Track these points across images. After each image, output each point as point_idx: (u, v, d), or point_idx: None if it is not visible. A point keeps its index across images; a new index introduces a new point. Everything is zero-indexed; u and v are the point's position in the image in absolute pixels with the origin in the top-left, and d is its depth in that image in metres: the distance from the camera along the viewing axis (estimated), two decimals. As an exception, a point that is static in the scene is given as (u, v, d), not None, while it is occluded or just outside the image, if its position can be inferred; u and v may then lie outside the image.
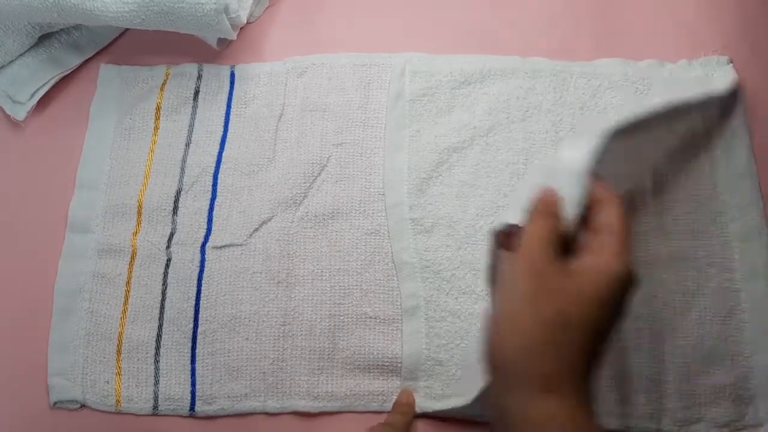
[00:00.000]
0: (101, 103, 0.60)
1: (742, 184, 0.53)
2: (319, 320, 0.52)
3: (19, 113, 0.59)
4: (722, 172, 0.54)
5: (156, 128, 0.58)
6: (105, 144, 0.58)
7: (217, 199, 0.56)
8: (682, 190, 0.53)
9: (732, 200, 0.53)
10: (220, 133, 0.58)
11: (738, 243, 0.52)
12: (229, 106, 0.59)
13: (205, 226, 0.55)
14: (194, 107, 0.59)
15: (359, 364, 0.51)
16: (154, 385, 0.51)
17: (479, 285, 0.51)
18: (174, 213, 0.55)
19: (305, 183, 0.55)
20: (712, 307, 0.51)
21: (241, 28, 0.61)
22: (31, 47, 0.59)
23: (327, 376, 0.51)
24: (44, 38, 0.59)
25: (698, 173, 0.54)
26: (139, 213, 0.56)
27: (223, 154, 0.57)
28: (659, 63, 0.57)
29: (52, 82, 0.59)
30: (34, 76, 0.59)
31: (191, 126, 0.58)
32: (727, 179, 0.53)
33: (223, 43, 0.60)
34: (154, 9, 0.53)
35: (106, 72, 0.60)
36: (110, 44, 0.61)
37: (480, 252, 0.52)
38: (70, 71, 0.60)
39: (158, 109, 0.59)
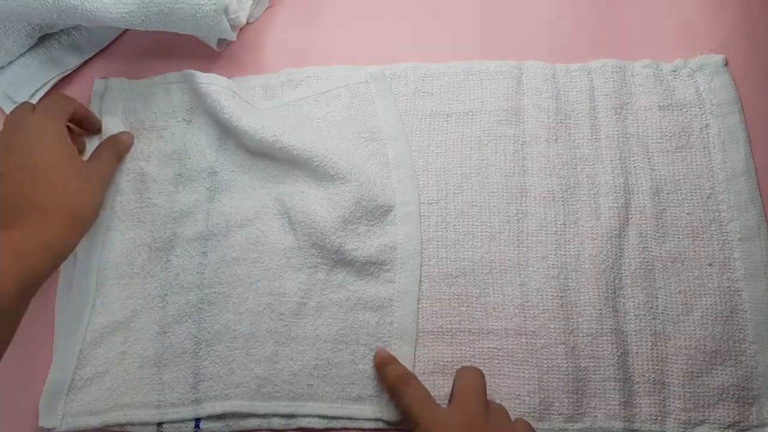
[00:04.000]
0: None
1: (740, 184, 0.51)
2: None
3: (19, 114, 0.57)
4: (721, 172, 0.52)
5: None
6: None
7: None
8: (680, 190, 0.52)
9: (731, 200, 0.51)
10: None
11: (738, 242, 0.50)
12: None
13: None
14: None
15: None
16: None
17: None
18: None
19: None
20: (714, 307, 0.49)
21: (241, 29, 0.59)
22: (31, 48, 0.58)
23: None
24: (44, 39, 0.58)
25: (697, 173, 0.52)
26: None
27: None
28: (655, 63, 0.56)
29: (52, 82, 0.58)
30: (34, 77, 0.57)
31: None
32: (726, 179, 0.52)
33: (223, 43, 0.59)
34: (153, 10, 0.52)
35: (100, 87, 0.58)
36: (110, 45, 0.60)
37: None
38: (69, 72, 0.58)
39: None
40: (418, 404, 0.44)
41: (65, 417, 0.48)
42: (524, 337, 0.49)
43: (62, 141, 0.47)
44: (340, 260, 0.51)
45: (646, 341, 0.48)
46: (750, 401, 0.47)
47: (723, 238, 0.51)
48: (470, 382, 0.45)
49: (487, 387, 0.47)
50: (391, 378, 0.47)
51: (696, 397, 0.47)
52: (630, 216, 0.51)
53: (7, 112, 0.57)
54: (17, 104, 0.57)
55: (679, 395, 0.47)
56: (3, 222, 0.43)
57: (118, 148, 0.54)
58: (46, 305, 0.52)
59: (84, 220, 0.46)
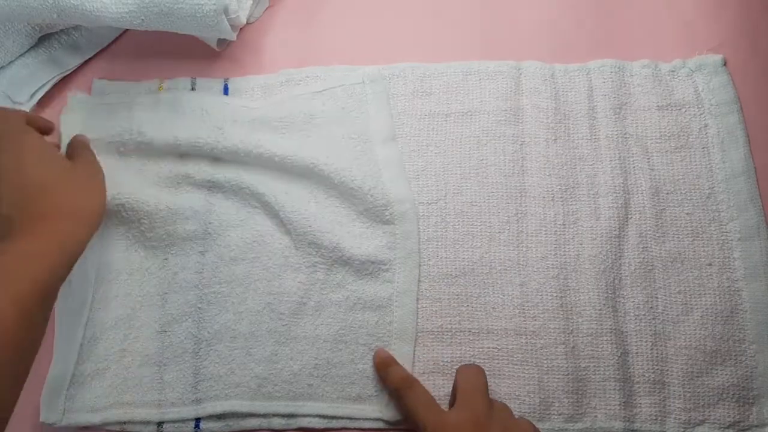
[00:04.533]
0: None
1: (740, 184, 0.51)
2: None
3: (19, 114, 0.57)
4: (720, 172, 0.52)
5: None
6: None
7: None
8: (680, 190, 0.52)
9: (730, 200, 0.51)
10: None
11: (737, 242, 0.50)
12: None
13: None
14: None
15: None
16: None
17: None
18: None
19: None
20: (714, 307, 0.49)
21: (241, 29, 0.58)
22: (31, 48, 0.57)
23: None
24: (44, 39, 0.57)
25: (696, 173, 0.52)
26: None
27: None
28: (653, 63, 0.55)
29: (52, 82, 0.57)
30: (34, 77, 0.57)
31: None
32: (725, 179, 0.51)
33: (223, 43, 0.58)
34: (153, 10, 0.51)
35: (99, 87, 0.57)
36: (110, 45, 0.59)
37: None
38: (69, 72, 0.58)
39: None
40: (424, 409, 0.44)
41: (66, 412, 0.48)
42: (524, 337, 0.49)
43: (41, 143, 0.46)
44: (338, 259, 0.50)
45: (646, 341, 0.48)
46: (750, 401, 0.47)
47: (723, 237, 0.50)
48: (472, 380, 0.44)
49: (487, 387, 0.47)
50: (393, 381, 0.46)
51: (696, 397, 0.47)
52: (629, 216, 0.51)
53: (7, 112, 0.57)
54: (17, 104, 0.57)
55: (679, 395, 0.47)
56: (13, 232, 0.42)
57: (87, 145, 0.51)
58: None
59: (90, 216, 0.46)
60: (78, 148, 0.50)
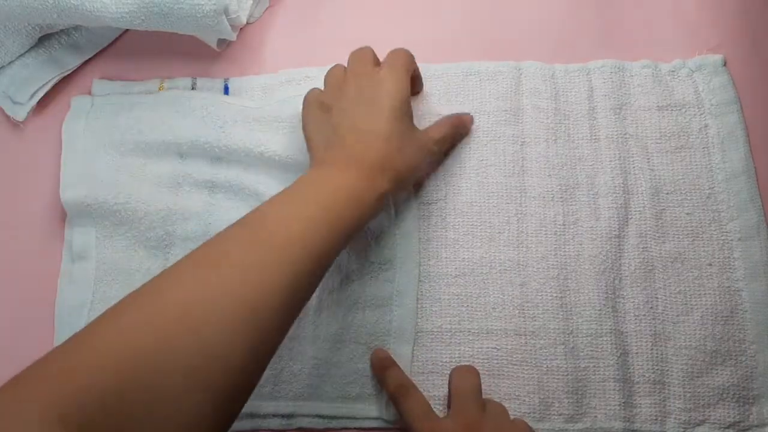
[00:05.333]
0: None
1: (740, 184, 0.51)
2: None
3: (19, 113, 0.56)
4: (720, 172, 0.52)
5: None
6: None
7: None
8: (680, 190, 0.51)
9: (730, 200, 0.51)
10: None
11: (737, 242, 0.50)
12: None
13: None
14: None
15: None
16: None
17: None
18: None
19: None
20: (714, 307, 0.48)
21: (241, 29, 0.58)
22: (31, 48, 0.57)
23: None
24: (44, 39, 0.57)
25: (696, 173, 0.52)
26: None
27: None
28: (653, 63, 0.55)
29: (52, 82, 0.57)
30: (34, 77, 0.57)
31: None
32: (725, 179, 0.51)
33: (223, 43, 0.58)
34: (153, 10, 0.51)
35: (99, 87, 0.57)
36: (110, 45, 0.59)
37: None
38: (69, 72, 0.58)
39: None
40: (419, 421, 0.44)
41: None
42: (524, 337, 0.48)
43: (406, 108, 0.46)
44: (338, 259, 0.50)
45: (646, 341, 0.48)
46: (750, 401, 0.46)
47: (723, 238, 0.50)
48: (465, 383, 0.44)
49: (487, 387, 0.47)
50: (391, 386, 0.46)
51: (696, 397, 0.47)
52: (629, 216, 0.51)
53: (8, 112, 0.57)
54: (18, 104, 0.57)
55: (679, 395, 0.47)
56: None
57: (460, 129, 0.52)
58: (46, 301, 0.52)
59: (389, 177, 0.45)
60: (449, 126, 0.51)
